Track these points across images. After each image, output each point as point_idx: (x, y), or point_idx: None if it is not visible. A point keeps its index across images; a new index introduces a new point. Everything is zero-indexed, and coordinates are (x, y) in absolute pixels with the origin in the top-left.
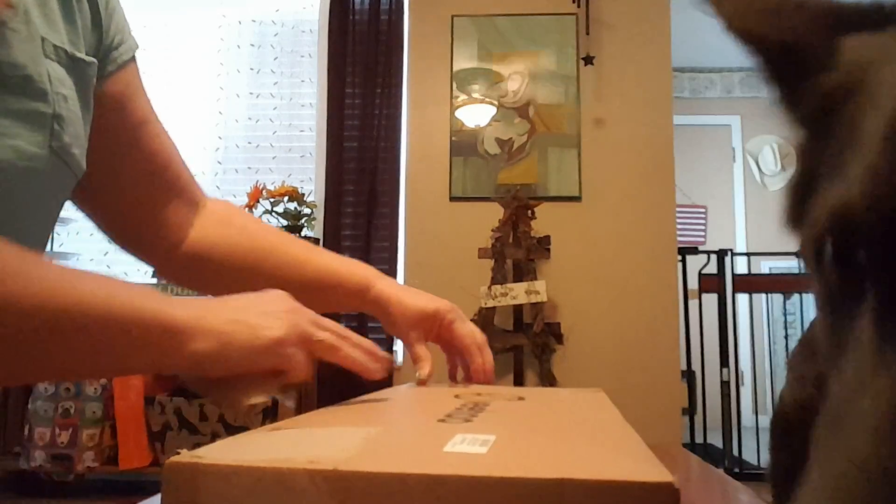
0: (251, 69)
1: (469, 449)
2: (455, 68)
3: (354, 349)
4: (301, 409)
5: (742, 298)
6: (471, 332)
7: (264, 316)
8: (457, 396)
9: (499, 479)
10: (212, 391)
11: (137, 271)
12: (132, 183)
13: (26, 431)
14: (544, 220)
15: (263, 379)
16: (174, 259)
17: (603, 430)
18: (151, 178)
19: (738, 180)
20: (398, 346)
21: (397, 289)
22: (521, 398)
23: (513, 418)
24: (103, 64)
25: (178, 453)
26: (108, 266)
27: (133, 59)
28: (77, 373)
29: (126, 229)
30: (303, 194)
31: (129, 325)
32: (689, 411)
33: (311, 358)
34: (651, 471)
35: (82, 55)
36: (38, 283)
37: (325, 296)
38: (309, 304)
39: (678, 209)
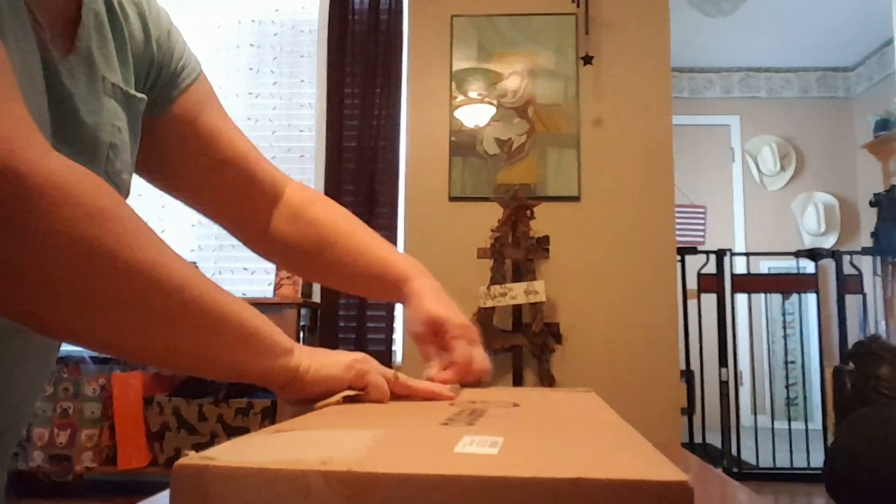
0: (250, 69)
1: (479, 450)
2: (454, 68)
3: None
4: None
5: (741, 298)
6: (467, 355)
7: (342, 352)
8: (452, 404)
9: (515, 479)
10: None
11: None
12: (215, 187)
13: (24, 432)
14: (543, 220)
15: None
16: (262, 244)
17: (606, 431)
18: (229, 182)
19: (738, 180)
20: (396, 346)
21: (427, 290)
22: (515, 404)
23: (515, 421)
24: (169, 89)
25: (186, 455)
26: None
27: (198, 77)
28: (195, 362)
29: (222, 220)
30: None
31: (250, 334)
32: (688, 411)
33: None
34: (665, 470)
35: (133, 91)
36: (190, 283)
37: (371, 286)
38: (360, 291)
39: (677, 209)
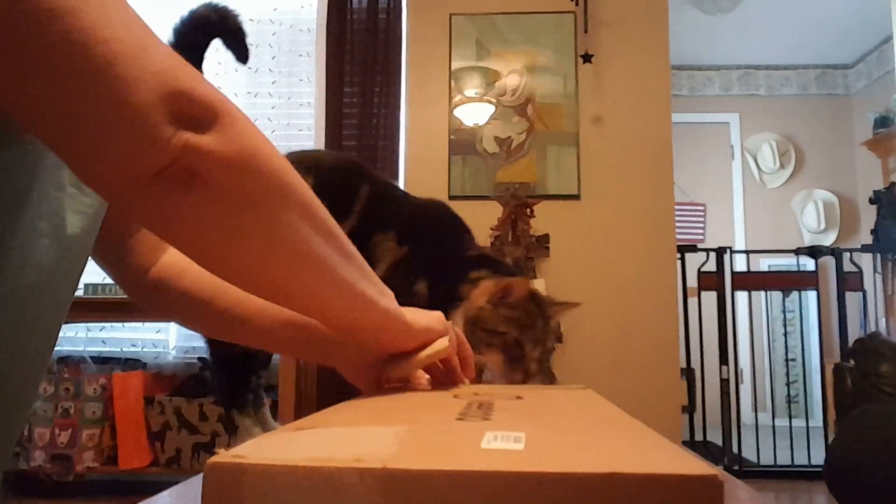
0: (249, 68)
1: (506, 446)
2: (453, 67)
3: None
4: (300, 409)
5: (741, 296)
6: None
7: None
8: (455, 396)
9: (549, 474)
10: (390, 368)
11: None
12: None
13: (26, 431)
14: (543, 219)
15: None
16: (139, 283)
17: (619, 426)
18: None
19: (737, 178)
20: None
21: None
22: (518, 397)
23: (528, 416)
24: None
25: (218, 453)
26: None
27: None
28: (348, 302)
29: (99, 250)
30: None
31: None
32: (689, 409)
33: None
34: (694, 464)
35: None
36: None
37: (293, 341)
38: (271, 346)
39: (677, 207)
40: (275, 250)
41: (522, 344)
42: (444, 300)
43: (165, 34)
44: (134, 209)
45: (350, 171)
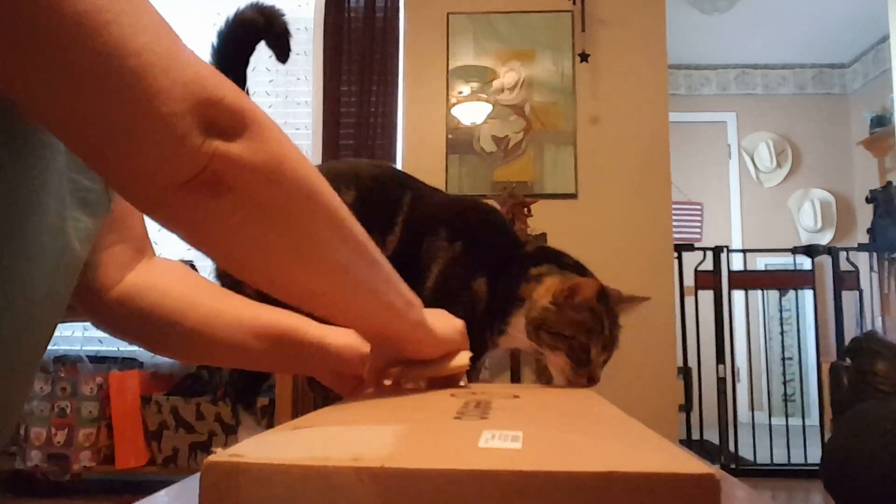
0: None
1: (503, 444)
2: (451, 66)
3: None
4: (297, 409)
5: (738, 295)
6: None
7: (444, 313)
8: (453, 395)
9: (547, 472)
10: (408, 372)
11: None
12: None
13: (22, 431)
14: (540, 218)
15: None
16: (98, 302)
17: (617, 425)
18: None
19: (734, 177)
20: None
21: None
22: (515, 396)
23: (526, 415)
24: None
25: (215, 452)
26: None
27: None
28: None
29: None
30: None
31: (401, 285)
32: (686, 408)
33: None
34: (691, 463)
35: None
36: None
37: (268, 353)
38: (245, 361)
39: (674, 206)
40: (300, 257)
41: (589, 349)
42: (503, 299)
43: (207, 33)
44: (165, 216)
45: (390, 180)
